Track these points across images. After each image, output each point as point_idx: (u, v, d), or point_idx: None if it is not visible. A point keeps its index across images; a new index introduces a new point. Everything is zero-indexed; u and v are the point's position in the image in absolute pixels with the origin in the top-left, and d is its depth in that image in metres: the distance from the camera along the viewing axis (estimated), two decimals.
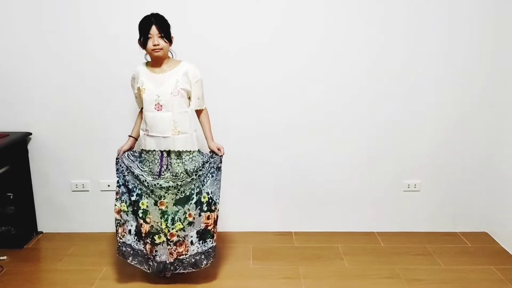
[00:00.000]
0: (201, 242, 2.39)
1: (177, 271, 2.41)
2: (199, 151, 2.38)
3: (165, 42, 2.21)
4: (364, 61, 2.81)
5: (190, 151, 2.33)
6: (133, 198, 2.34)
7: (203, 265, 2.41)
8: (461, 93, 2.86)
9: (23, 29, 2.74)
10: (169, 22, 2.24)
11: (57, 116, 2.88)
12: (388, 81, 2.84)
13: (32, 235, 3.00)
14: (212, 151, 2.41)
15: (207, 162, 2.36)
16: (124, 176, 2.36)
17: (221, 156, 2.40)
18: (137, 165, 2.37)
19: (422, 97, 2.86)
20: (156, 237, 2.35)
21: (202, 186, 2.36)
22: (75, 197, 3.02)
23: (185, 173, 2.33)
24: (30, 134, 2.89)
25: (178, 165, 2.32)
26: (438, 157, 2.97)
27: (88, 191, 3.01)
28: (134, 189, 2.35)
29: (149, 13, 2.23)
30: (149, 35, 2.18)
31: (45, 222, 3.06)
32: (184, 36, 2.63)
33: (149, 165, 2.34)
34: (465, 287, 2.45)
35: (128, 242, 2.41)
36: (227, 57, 2.79)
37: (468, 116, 2.90)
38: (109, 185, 2.98)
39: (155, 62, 2.29)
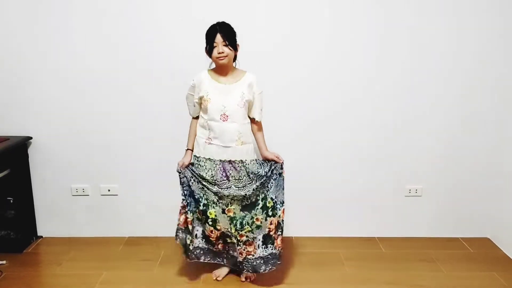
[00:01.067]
0: (263, 246, 2.41)
1: (244, 271, 2.45)
2: (256, 159, 2.42)
3: (230, 49, 2.24)
4: (366, 65, 2.80)
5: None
6: (200, 208, 2.36)
7: (261, 270, 2.41)
8: (464, 98, 2.85)
9: (23, 34, 2.74)
10: (235, 30, 2.27)
11: (58, 120, 2.87)
12: (389, 86, 2.84)
13: (31, 240, 2.99)
14: (268, 160, 2.43)
15: (268, 172, 2.38)
16: (190, 186, 2.37)
17: (282, 162, 2.42)
18: (198, 175, 2.36)
19: (424, 101, 2.86)
20: (227, 238, 2.41)
21: (267, 192, 2.39)
22: (75, 201, 3.01)
23: (247, 175, 2.35)
24: (31, 138, 2.89)
25: (241, 169, 2.35)
26: (440, 162, 2.96)
27: (88, 195, 3.00)
28: (200, 199, 2.36)
29: (215, 22, 2.25)
30: (214, 43, 2.22)
31: (45, 226, 3.05)
32: (187, 37, 2.64)
33: (211, 173, 2.35)
34: None
35: (196, 245, 2.43)
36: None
37: (471, 121, 2.89)
38: (109, 190, 2.97)
39: (220, 70, 2.32)
